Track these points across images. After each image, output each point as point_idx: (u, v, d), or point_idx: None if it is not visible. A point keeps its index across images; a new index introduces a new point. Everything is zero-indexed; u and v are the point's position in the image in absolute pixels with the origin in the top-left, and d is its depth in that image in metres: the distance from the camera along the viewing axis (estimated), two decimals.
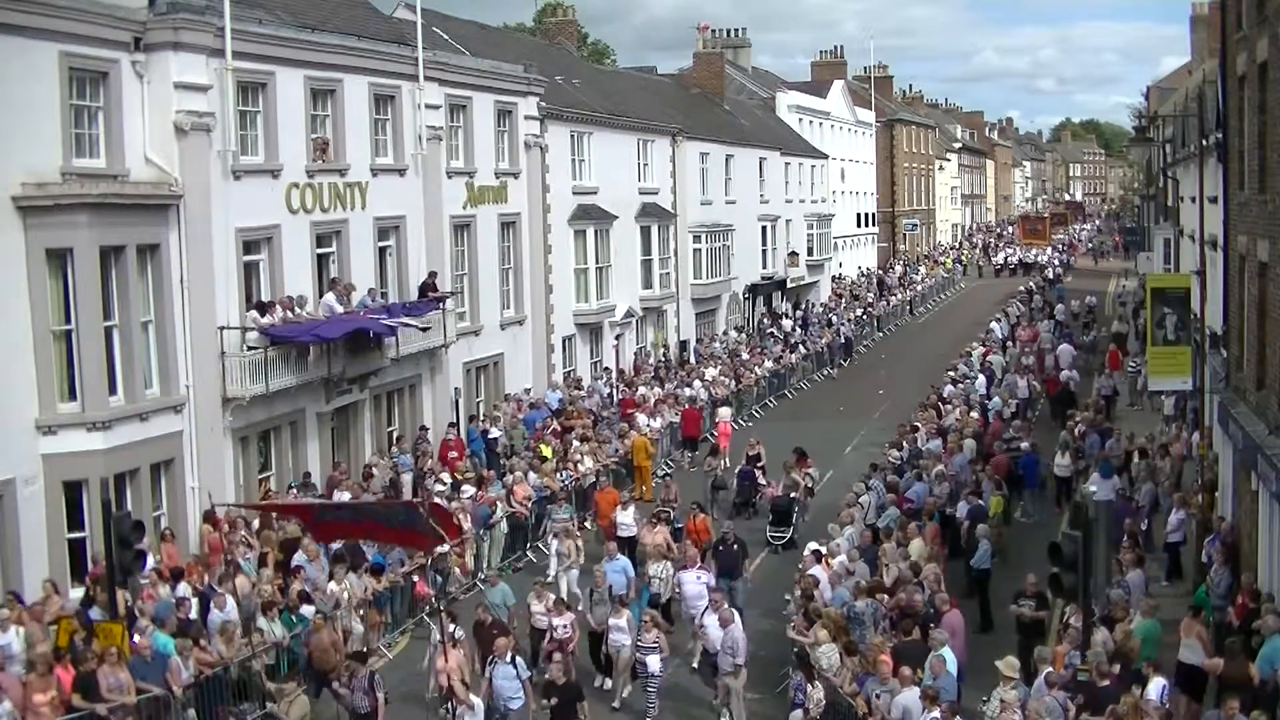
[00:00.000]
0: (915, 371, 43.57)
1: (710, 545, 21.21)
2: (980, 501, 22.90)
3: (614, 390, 35.98)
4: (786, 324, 51.53)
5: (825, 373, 45.76)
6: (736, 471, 28.23)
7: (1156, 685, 14.37)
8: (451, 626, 16.32)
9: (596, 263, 38.05)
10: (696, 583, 18.87)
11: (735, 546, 20.36)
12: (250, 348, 22.70)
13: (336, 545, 20.43)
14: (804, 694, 15.50)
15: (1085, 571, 14.38)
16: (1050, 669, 14.97)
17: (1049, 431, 31.67)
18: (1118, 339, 44.99)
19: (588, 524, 25.18)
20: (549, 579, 20.89)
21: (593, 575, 19.13)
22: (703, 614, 17.68)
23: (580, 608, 19.26)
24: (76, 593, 18.61)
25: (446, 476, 25.17)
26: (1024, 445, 27.72)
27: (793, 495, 25.67)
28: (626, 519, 23.02)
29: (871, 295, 62.00)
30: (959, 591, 20.00)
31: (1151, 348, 25.45)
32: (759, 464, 28.19)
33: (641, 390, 35.13)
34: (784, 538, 24.99)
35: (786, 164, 57.28)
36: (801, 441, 33.78)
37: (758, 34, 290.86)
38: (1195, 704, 15.85)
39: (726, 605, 17.38)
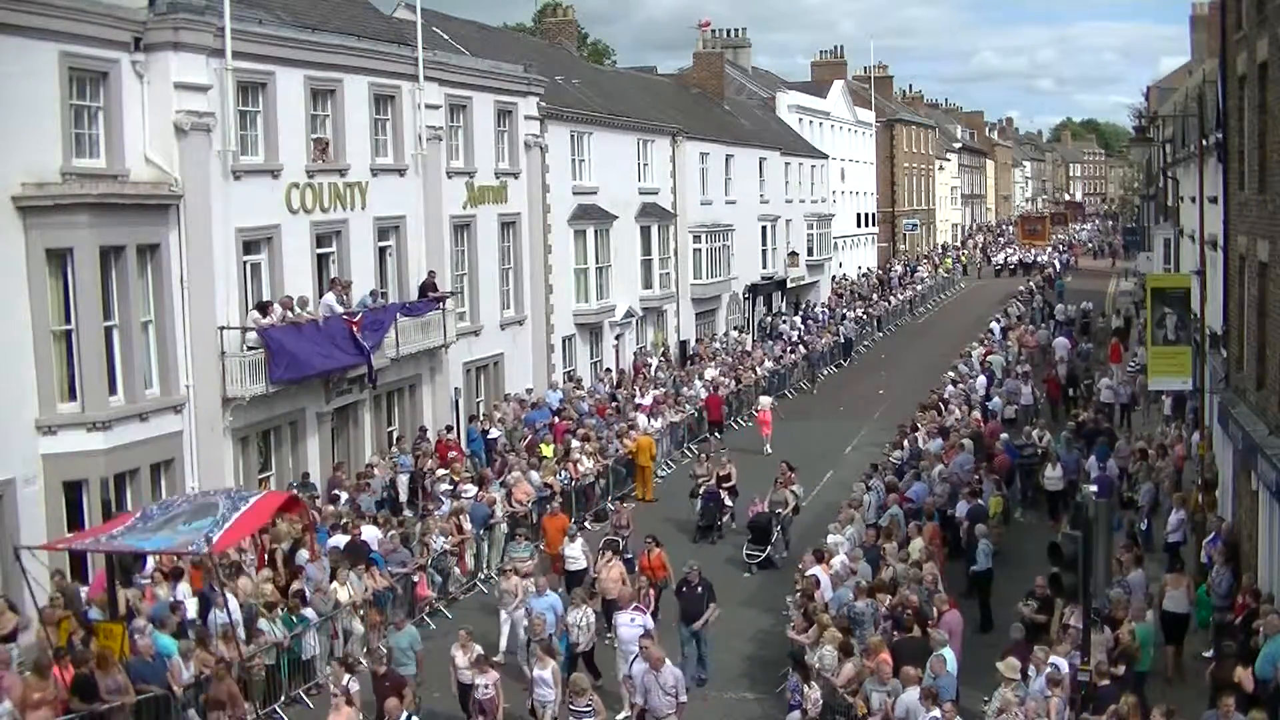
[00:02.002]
0: (915, 371, 43.60)
1: (665, 584, 19.44)
2: (980, 501, 22.91)
3: (613, 391, 35.95)
4: (796, 320, 51.53)
5: (801, 385, 42.74)
6: (702, 492, 26.04)
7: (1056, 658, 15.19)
8: (347, 678, 15.13)
9: (596, 263, 38.05)
10: (631, 625, 16.87)
11: (700, 589, 18.12)
12: (250, 348, 22.69)
13: (335, 542, 20.53)
14: (800, 695, 15.50)
15: (1085, 571, 14.37)
16: (1050, 669, 14.98)
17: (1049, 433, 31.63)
18: (1119, 333, 45.16)
19: (541, 546, 22.81)
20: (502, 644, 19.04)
21: (530, 619, 17.23)
22: (631, 663, 15.95)
23: (498, 656, 17.95)
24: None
25: (442, 471, 25.25)
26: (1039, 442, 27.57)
27: (777, 512, 24.14)
28: (575, 551, 21.02)
29: (875, 294, 62.07)
30: (959, 591, 20.01)
31: (1152, 347, 25.44)
32: (727, 484, 26.27)
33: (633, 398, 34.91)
34: (760, 556, 23.54)
35: (786, 164, 57.28)
36: (801, 441, 34.03)
37: (758, 34, 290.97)
38: (1178, 648, 17.85)
39: (656, 648, 15.62)
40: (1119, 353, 40.60)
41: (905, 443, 28.58)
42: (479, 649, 16.40)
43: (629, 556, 20.57)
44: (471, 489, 24.33)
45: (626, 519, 22.88)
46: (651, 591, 18.82)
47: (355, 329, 25.01)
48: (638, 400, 33.82)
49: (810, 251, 59.61)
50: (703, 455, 28.78)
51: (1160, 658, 17.42)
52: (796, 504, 25.32)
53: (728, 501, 26.02)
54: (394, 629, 17.44)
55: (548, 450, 27.78)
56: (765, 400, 35.34)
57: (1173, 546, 21.87)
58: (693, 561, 19.13)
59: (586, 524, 25.10)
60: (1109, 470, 25.12)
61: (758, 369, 40.05)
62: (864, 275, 69.67)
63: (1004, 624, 19.01)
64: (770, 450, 32.34)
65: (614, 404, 33.47)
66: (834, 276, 64.76)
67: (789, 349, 44.85)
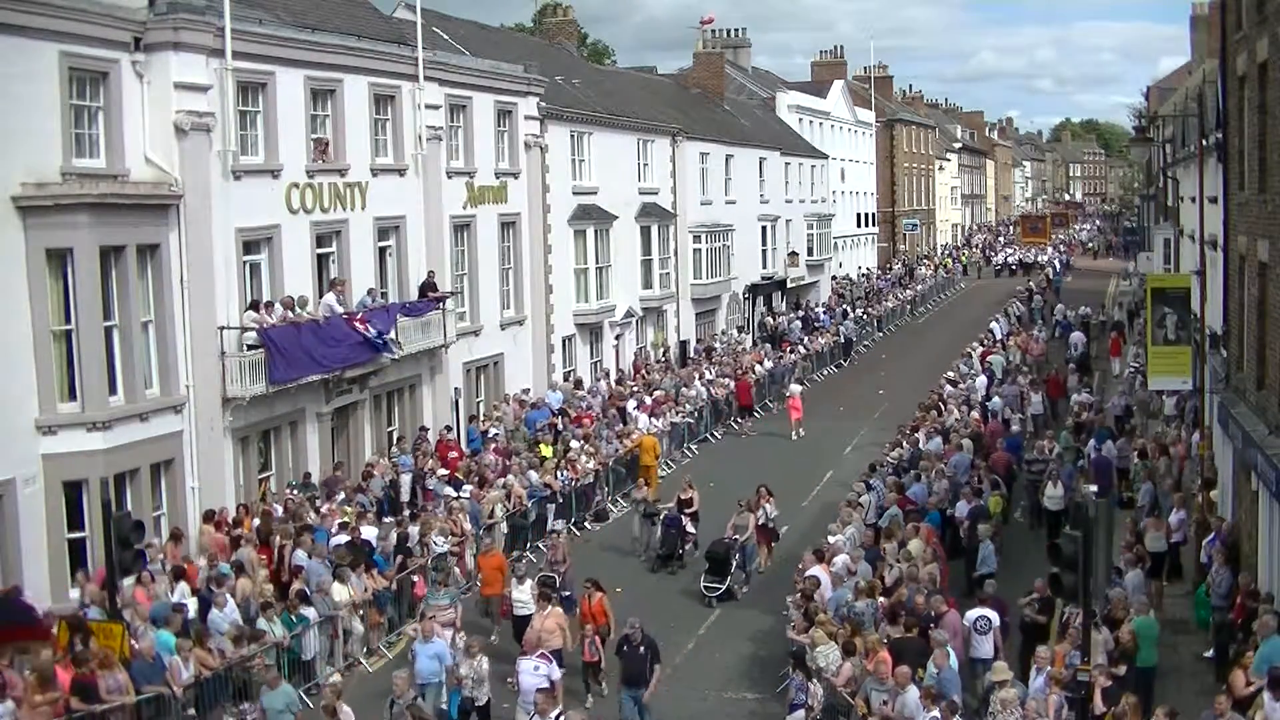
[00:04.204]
0: (915, 371, 43.58)
1: (606, 631, 17.79)
2: (980, 501, 22.88)
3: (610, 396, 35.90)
4: (796, 325, 51.57)
5: (734, 422, 37.03)
6: (663, 518, 24.32)
7: (972, 614, 16.86)
8: None
9: (596, 263, 38.04)
10: (534, 674, 15.43)
11: (642, 649, 16.40)
12: (250, 347, 22.69)
13: (339, 541, 20.54)
14: (805, 694, 15.49)
15: (1085, 571, 14.38)
16: (1051, 668, 14.99)
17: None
18: (1118, 327, 45.30)
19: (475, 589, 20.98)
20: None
21: (392, 678, 15.22)
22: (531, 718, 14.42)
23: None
24: (75, 593, 18.57)
25: (443, 472, 25.26)
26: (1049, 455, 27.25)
27: (737, 539, 22.61)
28: (523, 595, 18.78)
29: (864, 296, 62.12)
30: (960, 592, 19.99)
31: (1152, 347, 25.45)
32: (689, 509, 24.46)
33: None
34: (719, 589, 21.86)
35: (786, 164, 57.27)
36: (800, 441, 34.05)
37: (757, 34, 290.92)
38: (1160, 583, 20.21)
39: (578, 712, 14.34)
40: (1118, 347, 40.72)
41: (905, 443, 28.56)
42: (339, 702, 14.49)
43: (567, 594, 19.24)
44: (470, 488, 24.34)
45: (562, 553, 20.79)
46: (599, 641, 17.55)
47: (362, 325, 25.02)
48: (634, 403, 33.78)
49: (810, 251, 59.58)
50: (642, 481, 27.42)
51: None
52: (773, 528, 23.98)
53: (690, 528, 24.29)
54: (267, 688, 15.63)
55: (547, 450, 27.78)
56: (795, 388, 36.47)
57: (1173, 546, 21.84)
58: (634, 619, 16.92)
59: (587, 524, 25.05)
60: (1107, 453, 25.12)
61: (756, 369, 40.03)
62: (864, 275, 69.67)
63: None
64: (801, 434, 34.28)
65: (612, 409, 33.39)
66: (834, 276, 64.76)
67: (791, 349, 44.84)
